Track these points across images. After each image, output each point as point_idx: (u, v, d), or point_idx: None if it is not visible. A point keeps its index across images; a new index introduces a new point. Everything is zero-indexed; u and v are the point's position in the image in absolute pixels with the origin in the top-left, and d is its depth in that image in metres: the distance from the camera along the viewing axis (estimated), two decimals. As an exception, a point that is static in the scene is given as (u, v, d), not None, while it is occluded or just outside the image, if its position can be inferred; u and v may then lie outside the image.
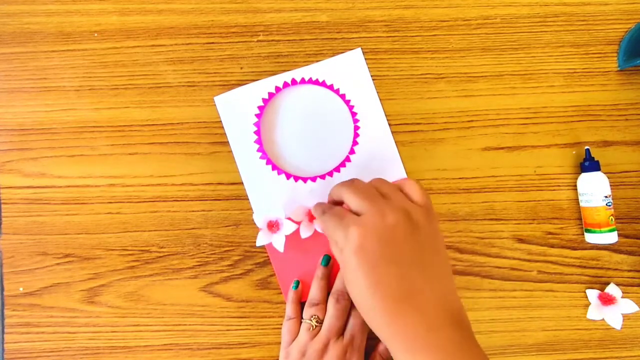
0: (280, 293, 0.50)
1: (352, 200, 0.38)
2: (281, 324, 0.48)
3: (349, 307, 0.46)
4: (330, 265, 0.48)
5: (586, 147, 0.49)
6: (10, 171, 0.50)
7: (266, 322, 0.49)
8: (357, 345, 0.45)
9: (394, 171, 0.50)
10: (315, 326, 0.45)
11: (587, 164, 0.49)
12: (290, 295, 0.48)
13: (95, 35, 0.50)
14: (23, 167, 0.50)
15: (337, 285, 0.47)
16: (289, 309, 0.48)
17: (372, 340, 0.47)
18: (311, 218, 0.48)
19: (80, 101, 0.50)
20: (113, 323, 0.49)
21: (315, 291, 0.47)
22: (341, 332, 0.45)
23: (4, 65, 0.50)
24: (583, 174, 0.49)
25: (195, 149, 0.50)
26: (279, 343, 0.48)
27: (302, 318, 0.47)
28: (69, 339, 0.49)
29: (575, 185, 0.50)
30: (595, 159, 0.49)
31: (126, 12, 0.50)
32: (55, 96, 0.50)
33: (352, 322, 0.46)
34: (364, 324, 0.46)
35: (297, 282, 0.48)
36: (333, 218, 0.38)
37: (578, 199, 0.50)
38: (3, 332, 0.49)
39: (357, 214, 0.37)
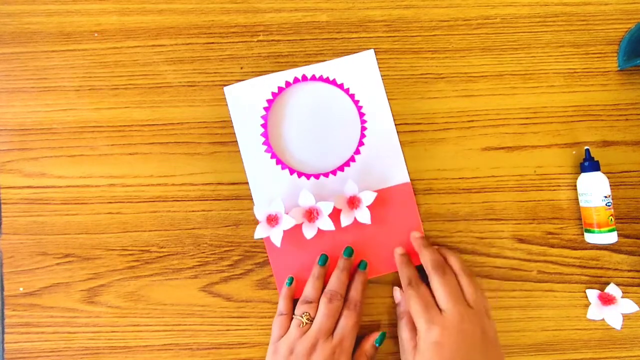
0: (280, 293, 0.50)
1: (439, 293, 0.44)
2: (281, 324, 0.49)
3: (341, 308, 0.46)
4: (327, 265, 0.48)
5: (586, 147, 0.49)
6: (10, 171, 0.50)
7: (266, 322, 0.49)
8: (346, 347, 0.45)
9: (397, 174, 0.50)
10: (306, 323, 0.45)
11: (586, 164, 0.49)
12: (284, 291, 0.48)
13: (95, 35, 0.50)
14: (23, 167, 0.50)
15: (331, 284, 0.47)
16: (281, 304, 0.48)
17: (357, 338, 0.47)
18: (311, 218, 0.48)
19: (80, 101, 0.50)
20: (113, 323, 0.49)
21: (309, 289, 0.47)
22: (331, 332, 0.45)
23: (4, 65, 0.50)
24: (583, 174, 0.49)
25: (196, 149, 0.50)
26: (279, 343, 0.49)
27: (293, 314, 0.47)
28: (69, 339, 0.49)
29: (575, 185, 0.50)
30: (595, 159, 0.49)
31: (126, 12, 0.50)
32: (55, 96, 0.50)
33: (343, 322, 0.45)
34: (354, 326, 0.46)
35: (291, 279, 0.48)
36: (419, 302, 0.44)
37: (578, 199, 0.50)
38: (3, 332, 0.49)
39: (439, 306, 0.43)
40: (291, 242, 0.49)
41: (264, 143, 0.50)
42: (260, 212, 0.48)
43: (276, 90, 0.50)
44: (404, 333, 0.45)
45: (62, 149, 0.50)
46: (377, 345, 0.48)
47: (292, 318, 0.46)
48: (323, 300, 0.46)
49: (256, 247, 0.50)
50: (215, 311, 0.49)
